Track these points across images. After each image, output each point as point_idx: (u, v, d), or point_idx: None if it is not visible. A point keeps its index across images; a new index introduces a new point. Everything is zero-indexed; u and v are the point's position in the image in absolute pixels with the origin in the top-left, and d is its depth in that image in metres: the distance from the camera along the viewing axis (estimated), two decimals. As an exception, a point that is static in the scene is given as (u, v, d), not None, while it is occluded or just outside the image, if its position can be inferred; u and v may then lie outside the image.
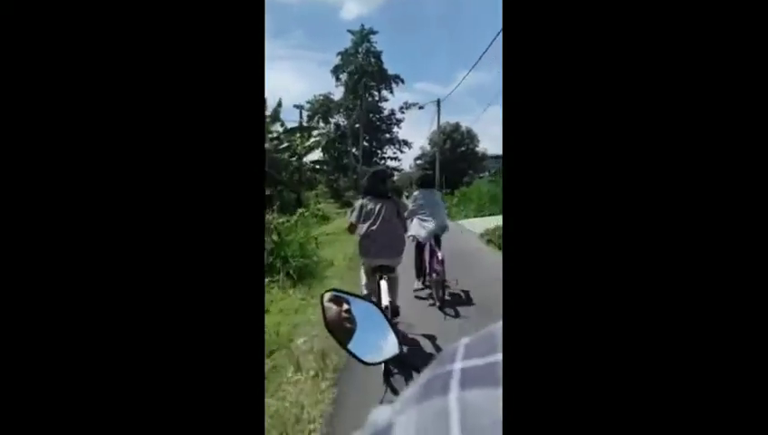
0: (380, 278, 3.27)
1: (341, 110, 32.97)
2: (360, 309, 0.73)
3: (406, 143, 35.50)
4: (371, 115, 34.15)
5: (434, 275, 4.35)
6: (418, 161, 39.59)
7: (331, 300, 0.74)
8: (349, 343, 0.70)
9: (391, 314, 3.19)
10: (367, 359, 0.71)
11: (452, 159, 31.23)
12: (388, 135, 35.22)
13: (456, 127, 33.01)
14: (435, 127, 27.90)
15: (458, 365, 0.24)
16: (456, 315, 4.00)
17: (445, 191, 29.29)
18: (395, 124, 35.01)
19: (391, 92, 34.76)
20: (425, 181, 4.73)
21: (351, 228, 3.46)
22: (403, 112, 35.02)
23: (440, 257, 4.18)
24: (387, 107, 35.92)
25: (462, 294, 4.64)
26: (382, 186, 3.42)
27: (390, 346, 0.71)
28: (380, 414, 0.25)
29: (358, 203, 3.46)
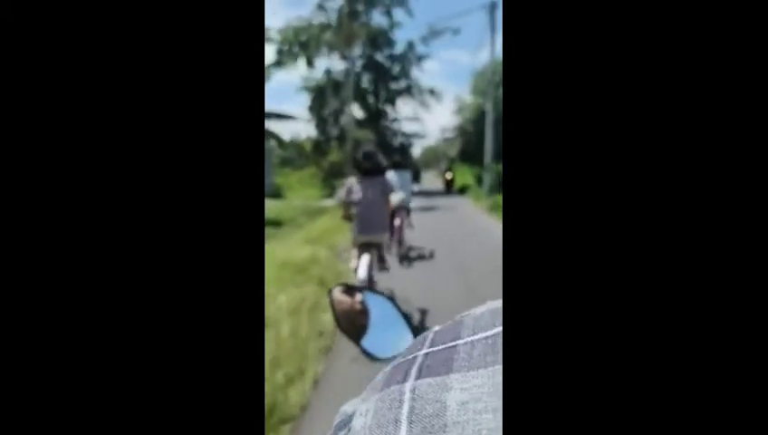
0: (362, 253, 3.57)
1: (326, 41, 20.44)
2: (374, 303, 0.69)
3: (432, 93, 23.04)
4: (377, 52, 21.78)
5: (393, 234, 5.35)
6: (447, 134, 27.47)
7: (342, 293, 0.70)
8: (362, 340, 0.67)
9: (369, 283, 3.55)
10: (381, 355, 0.65)
11: (510, 116, 19.02)
12: (404, 82, 22.74)
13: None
14: (484, 62, 15.93)
15: (422, 352, 0.24)
16: (410, 265, 5.02)
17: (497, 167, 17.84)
18: (415, 64, 22.49)
19: (409, 15, 22.55)
20: (397, 165, 6.44)
21: (345, 210, 3.65)
22: (427, 45, 22.64)
23: (398, 224, 5.41)
24: (402, 38, 23.06)
25: (426, 253, 5.96)
26: (369, 164, 3.61)
27: (405, 341, 0.63)
28: (350, 405, 0.26)
29: (348, 181, 3.69)
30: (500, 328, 0.22)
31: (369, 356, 0.66)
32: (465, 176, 22.21)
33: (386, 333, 0.66)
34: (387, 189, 3.59)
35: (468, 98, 21.37)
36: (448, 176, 21.39)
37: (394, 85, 22.37)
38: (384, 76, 21.90)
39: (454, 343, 0.23)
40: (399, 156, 20.44)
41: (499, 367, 0.20)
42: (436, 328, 0.26)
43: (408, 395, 0.22)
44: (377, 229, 3.59)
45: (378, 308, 0.68)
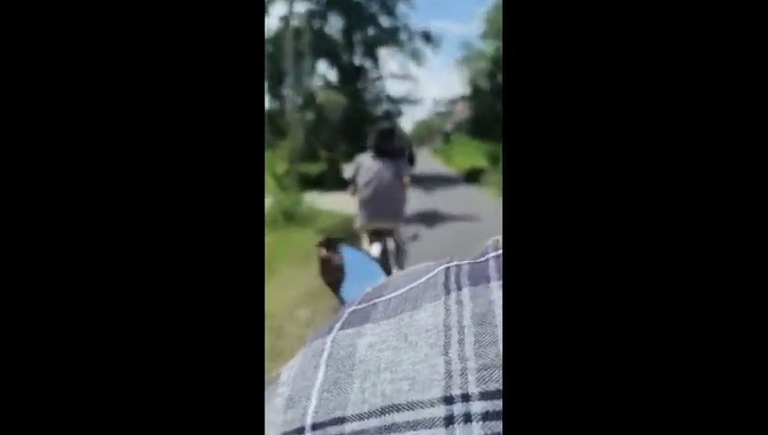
0: (374, 241, 3.15)
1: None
2: (354, 257, 0.74)
3: (428, 39, 16.75)
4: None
5: None
6: (440, 108, 21.34)
7: (323, 245, 0.75)
8: (340, 290, 0.71)
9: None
10: None
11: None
12: (387, 25, 16.43)
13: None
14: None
15: (348, 310, 0.26)
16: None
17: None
18: (402, -1, 16.08)
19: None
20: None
21: (350, 189, 3.32)
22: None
23: None
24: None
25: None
26: (387, 144, 3.20)
27: None
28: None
29: (357, 159, 3.32)
30: (412, 284, 0.25)
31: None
32: (474, 155, 16.29)
33: (364, 287, 0.64)
34: (401, 171, 3.21)
35: (480, 44, 14.47)
36: None
37: (373, 30, 16.13)
38: (360, 18, 15.67)
39: (375, 301, 0.26)
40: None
41: (405, 314, 0.23)
42: (367, 289, 0.28)
43: (328, 344, 0.24)
44: (387, 215, 3.19)
45: (355, 262, 0.72)
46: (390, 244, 3.22)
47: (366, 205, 3.15)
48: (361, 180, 3.16)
